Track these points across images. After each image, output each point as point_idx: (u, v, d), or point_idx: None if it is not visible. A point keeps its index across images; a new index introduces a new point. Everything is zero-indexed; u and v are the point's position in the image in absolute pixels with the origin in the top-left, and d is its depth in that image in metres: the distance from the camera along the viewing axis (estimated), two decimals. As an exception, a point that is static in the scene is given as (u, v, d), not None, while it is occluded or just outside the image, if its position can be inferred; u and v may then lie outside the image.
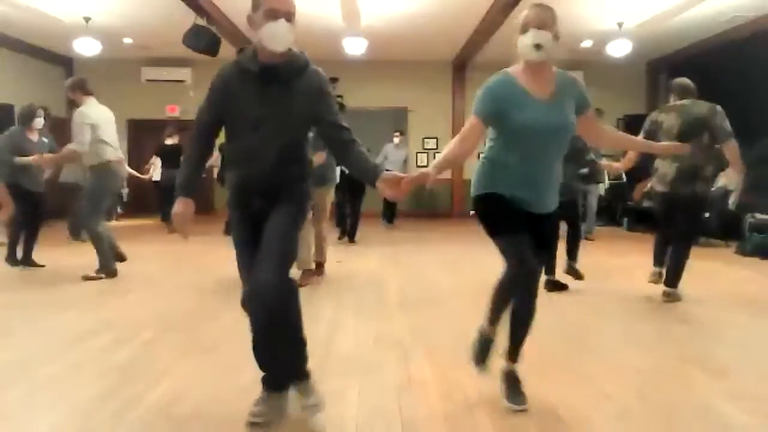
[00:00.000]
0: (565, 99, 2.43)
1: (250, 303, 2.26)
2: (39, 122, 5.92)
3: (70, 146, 5.33)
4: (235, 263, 2.38)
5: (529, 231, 2.46)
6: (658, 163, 4.51)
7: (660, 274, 4.66)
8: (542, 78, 2.42)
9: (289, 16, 2.18)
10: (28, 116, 5.86)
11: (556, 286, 4.83)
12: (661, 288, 4.59)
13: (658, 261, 4.71)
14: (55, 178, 7.77)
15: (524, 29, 2.36)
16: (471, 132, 2.43)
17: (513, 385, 2.55)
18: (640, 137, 4.32)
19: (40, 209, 6.09)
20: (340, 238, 8.39)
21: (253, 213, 2.35)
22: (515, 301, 2.53)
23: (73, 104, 5.51)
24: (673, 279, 4.48)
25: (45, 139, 6.03)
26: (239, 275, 2.36)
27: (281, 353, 2.37)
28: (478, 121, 2.42)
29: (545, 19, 2.34)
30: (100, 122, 5.29)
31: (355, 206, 8.36)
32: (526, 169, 2.44)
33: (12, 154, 5.67)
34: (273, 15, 2.15)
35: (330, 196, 5.52)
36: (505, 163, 2.46)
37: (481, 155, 2.60)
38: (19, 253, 6.01)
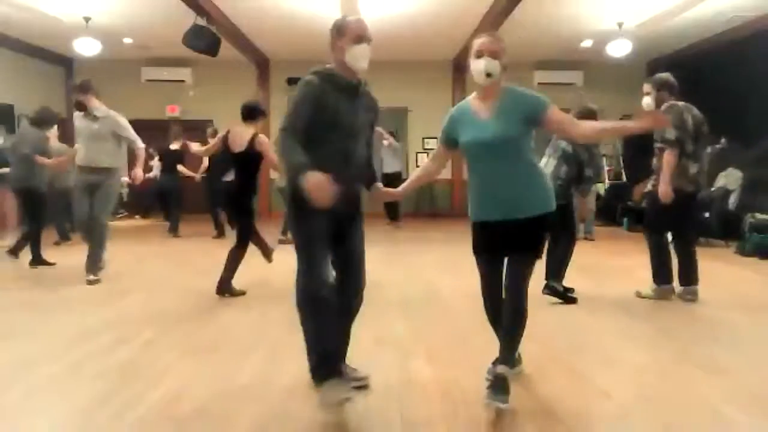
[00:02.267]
0: (508, 114, 2.56)
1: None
2: (55, 129, 6.06)
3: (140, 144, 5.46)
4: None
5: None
6: (686, 162, 4.38)
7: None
8: (488, 98, 2.62)
9: (370, 42, 2.62)
10: (49, 121, 5.88)
11: (556, 293, 4.50)
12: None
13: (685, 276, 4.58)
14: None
15: (478, 55, 2.56)
16: (436, 153, 2.86)
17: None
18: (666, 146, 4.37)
19: (44, 209, 6.07)
20: None
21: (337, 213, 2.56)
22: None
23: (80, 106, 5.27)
24: (694, 277, 4.54)
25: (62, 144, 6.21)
26: (308, 264, 2.52)
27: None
28: (440, 145, 2.81)
29: (498, 51, 2.56)
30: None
31: None
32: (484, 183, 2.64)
33: (33, 155, 5.67)
34: (359, 40, 2.57)
35: None
36: (471, 184, 2.68)
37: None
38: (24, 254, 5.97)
